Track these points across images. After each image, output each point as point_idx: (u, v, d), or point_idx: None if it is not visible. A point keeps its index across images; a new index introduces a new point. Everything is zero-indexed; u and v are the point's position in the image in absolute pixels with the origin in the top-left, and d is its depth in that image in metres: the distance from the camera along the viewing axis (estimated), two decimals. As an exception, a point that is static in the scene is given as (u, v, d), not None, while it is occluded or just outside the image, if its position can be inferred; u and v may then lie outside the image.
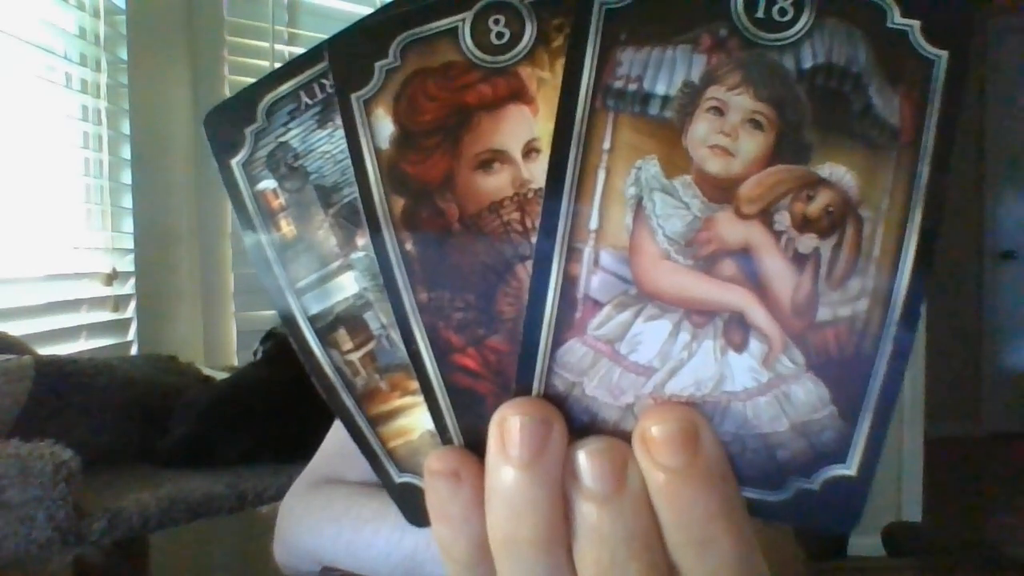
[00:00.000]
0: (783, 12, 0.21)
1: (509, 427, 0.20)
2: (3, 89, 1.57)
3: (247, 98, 0.24)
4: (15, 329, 1.52)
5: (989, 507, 3.14)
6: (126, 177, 1.92)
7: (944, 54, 0.20)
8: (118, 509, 1.21)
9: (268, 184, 0.24)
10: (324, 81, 0.23)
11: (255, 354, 1.68)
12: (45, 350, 1.55)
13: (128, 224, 1.92)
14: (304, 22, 2.23)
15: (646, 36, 0.21)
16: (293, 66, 0.24)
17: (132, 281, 1.90)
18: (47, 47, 1.70)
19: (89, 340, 1.78)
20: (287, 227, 0.24)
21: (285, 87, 0.24)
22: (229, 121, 0.24)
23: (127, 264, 1.91)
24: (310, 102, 0.24)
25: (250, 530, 1.76)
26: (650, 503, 0.20)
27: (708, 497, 0.20)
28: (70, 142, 1.81)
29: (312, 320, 0.24)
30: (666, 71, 0.21)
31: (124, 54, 1.91)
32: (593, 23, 0.21)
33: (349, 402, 0.24)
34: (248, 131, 0.24)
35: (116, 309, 1.88)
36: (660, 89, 0.21)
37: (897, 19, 0.20)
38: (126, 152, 1.92)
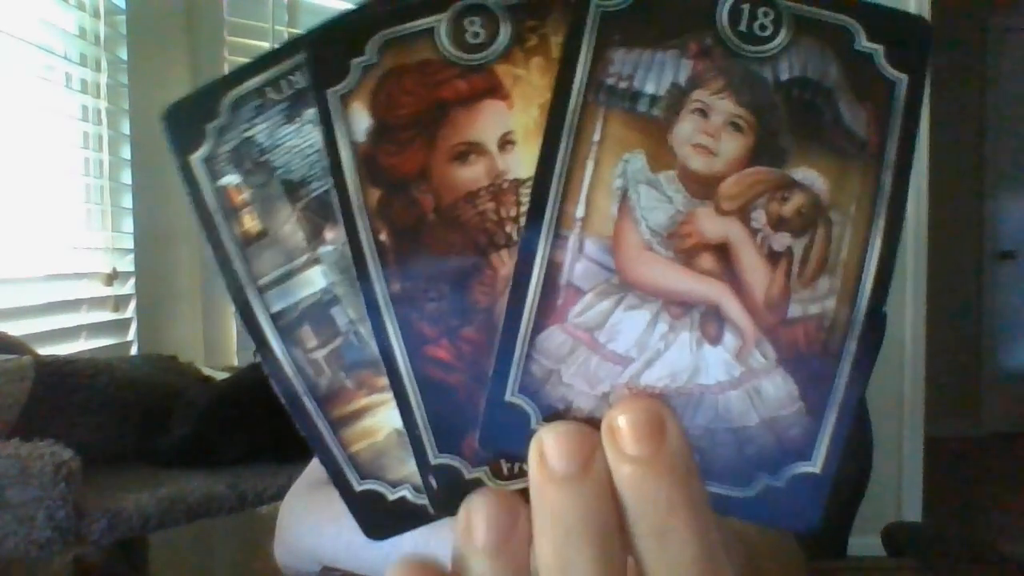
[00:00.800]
0: (763, 28, 0.22)
1: (475, 512, 0.21)
2: (3, 89, 1.58)
3: (208, 94, 0.23)
4: (15, 329, 1.52)
5: (989, 507, 3.14)
6: (126, 177, 1.92)
7: (904, 77, 0.22)
8: (118, 509, 1.22)
9: (231, 179, 0.23)
10: (291, 78, 0.23)
11: (255, 354, 1.68)
12: (45, 350, 1.55)
13: (128, 224, 1.93)
14: (304, 22, 2.23)
15: (638, 39, 0.22)
16: (258, 63, 0.23)
17: (132, 281, 1.91)
18: (47, 47, 1.70)
19: (89, 340, 1.78)
20: (251, 222, 0.23)
21: (250, 83, 0.23)
22: (189, 117, 0.23)
23: (127, 264, 1.91)
24: (277, 98, 0.23)
25: (250, 530, 1.76)
26: (613, 492, 0.20)
27: (671, 488, 0.20)
28: (70, 142, 1.82)
29: (275, 317, 0.23)
30: (655, 72, 0.22)
31: (124, 54, 1.91)
32: (589, 23, 0.22)
33: (311, 405, 0.23)
34: (210, 127, 0.23)
35: (116, 309, 1.88)
36: (649, 88, 0.22)
37: (864, 43, 0.22)
38: (126, 152, 1.92)
